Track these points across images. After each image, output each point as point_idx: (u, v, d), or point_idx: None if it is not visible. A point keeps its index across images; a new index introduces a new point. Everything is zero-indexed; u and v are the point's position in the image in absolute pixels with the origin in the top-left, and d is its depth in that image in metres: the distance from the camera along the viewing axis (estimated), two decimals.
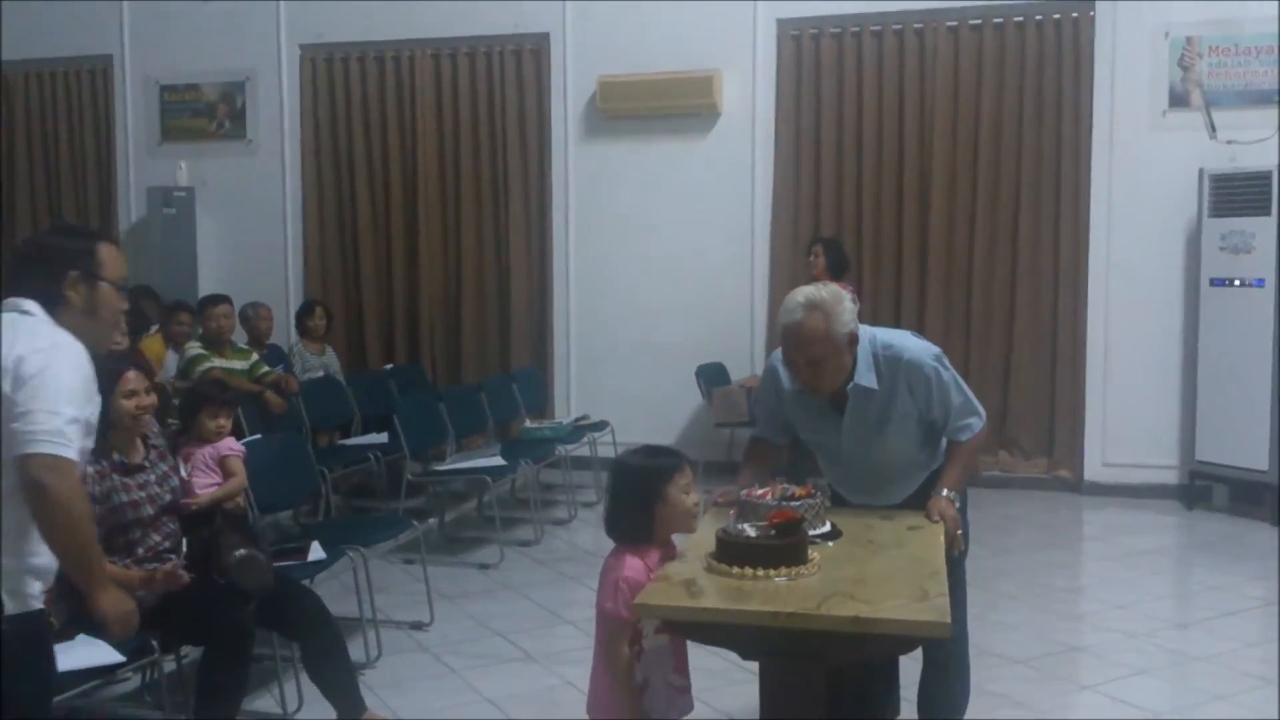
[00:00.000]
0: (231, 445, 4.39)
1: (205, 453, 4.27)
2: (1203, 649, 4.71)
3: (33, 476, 2.31)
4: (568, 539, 6.61)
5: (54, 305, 2.50)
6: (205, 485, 4.22)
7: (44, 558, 2.47)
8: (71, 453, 2.35)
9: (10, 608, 2.40)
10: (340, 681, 3.97)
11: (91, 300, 2.55)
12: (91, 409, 2.46)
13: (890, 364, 3.18)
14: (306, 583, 4.17)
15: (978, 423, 3.27)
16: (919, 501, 3.26)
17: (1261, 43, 7.03)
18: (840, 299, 3.11)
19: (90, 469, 3.59)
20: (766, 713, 2.65)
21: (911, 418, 3.23)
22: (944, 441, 3.33)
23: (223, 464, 4.31)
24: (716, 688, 4.14)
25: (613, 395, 8.08)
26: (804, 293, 3.12)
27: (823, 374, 3.12)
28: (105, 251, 2.59)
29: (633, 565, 2.77)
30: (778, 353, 3.29)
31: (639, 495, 2.83)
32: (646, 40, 7.98)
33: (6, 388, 2.35)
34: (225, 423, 4.37)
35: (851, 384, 3.17)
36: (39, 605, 2.50)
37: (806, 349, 3.08)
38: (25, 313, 2.47)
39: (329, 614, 4.05)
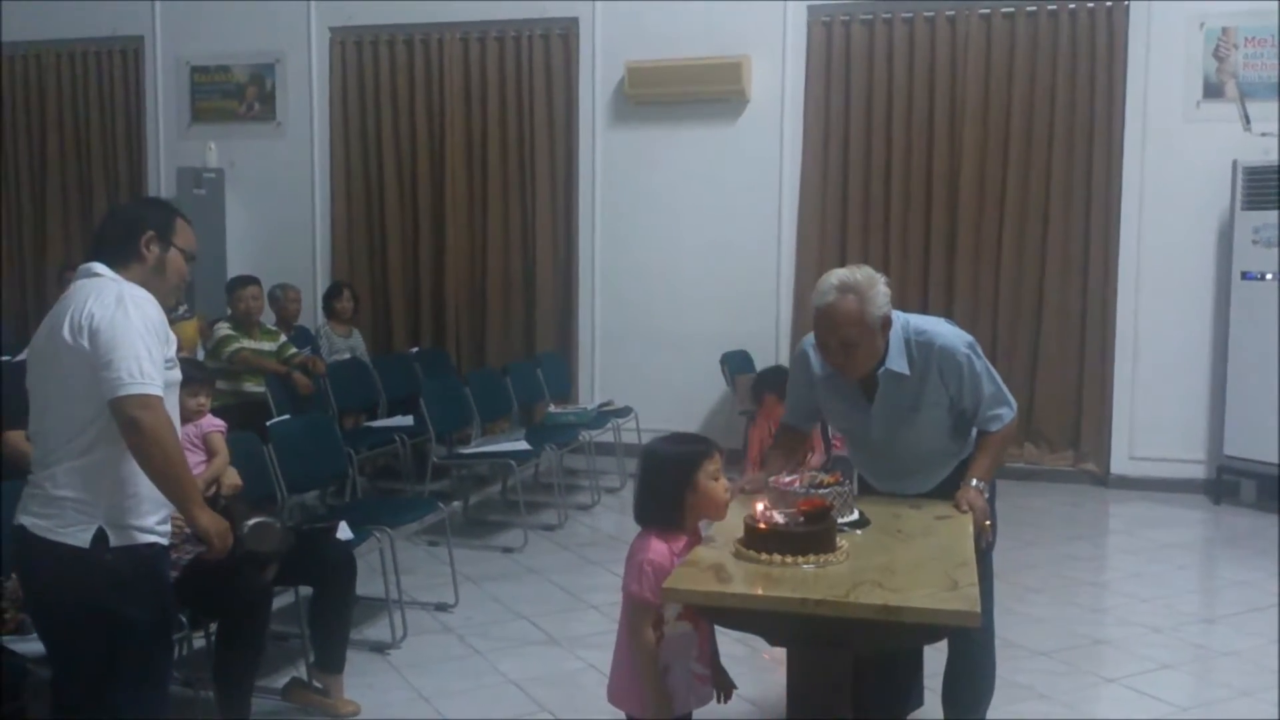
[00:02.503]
0: (213, 422, 4.38)
1: (187, 431, 4.21)
2: (1228, 644, 4.69)
3: (127, 415, 2.60)
4: (591, 524, 6.64)
5: (127, 260, 2.80)
6: (193, 465, 4.22)
7: (147, 488, 2.73)
8: (156, 389, 2.65)
9: (115, 540, 2.68)
10: (333, 631, 4.02)
11: (161, 261, 2.85)
12: (166, 348, 2.74)
13: (923, 350, 3.16)
14: None
15: (1008, 413, 3.25)
16: (947, 490, 3.24)
17: None
18: (875, 282, 3.09)
19: None
20: (793, 699, 2.65)
21: (942, 405, 3.21)
22: (974, 431, 3.31)
23: (206, 441, 4.31)
24: (741, 674, 4.12)
25: (637, 381, 8.09)
26: (838, 274, 3.11)
27: (855, 357, 3.10)
28: (181, 224, 2.92)
29: (657, 549, 2.78)
30: (809, 337, 3.28)
31: (669, 482, 2.83)
32: (675, 25, 7.96)
33: (85, 343, 2.63)
34: (205, 401, 4.37)
35: (883, 369, 3.15)
36: (151, 538, 2.77)
37: (839, 331, 3.06)
38: (95, 275, 2.77)
39: (353, 567, 4.12)
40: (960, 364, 3.17)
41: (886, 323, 3.12)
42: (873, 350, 3.11)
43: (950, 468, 3.33)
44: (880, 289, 3.09)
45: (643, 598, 2.74)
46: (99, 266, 2.79)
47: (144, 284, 2.79)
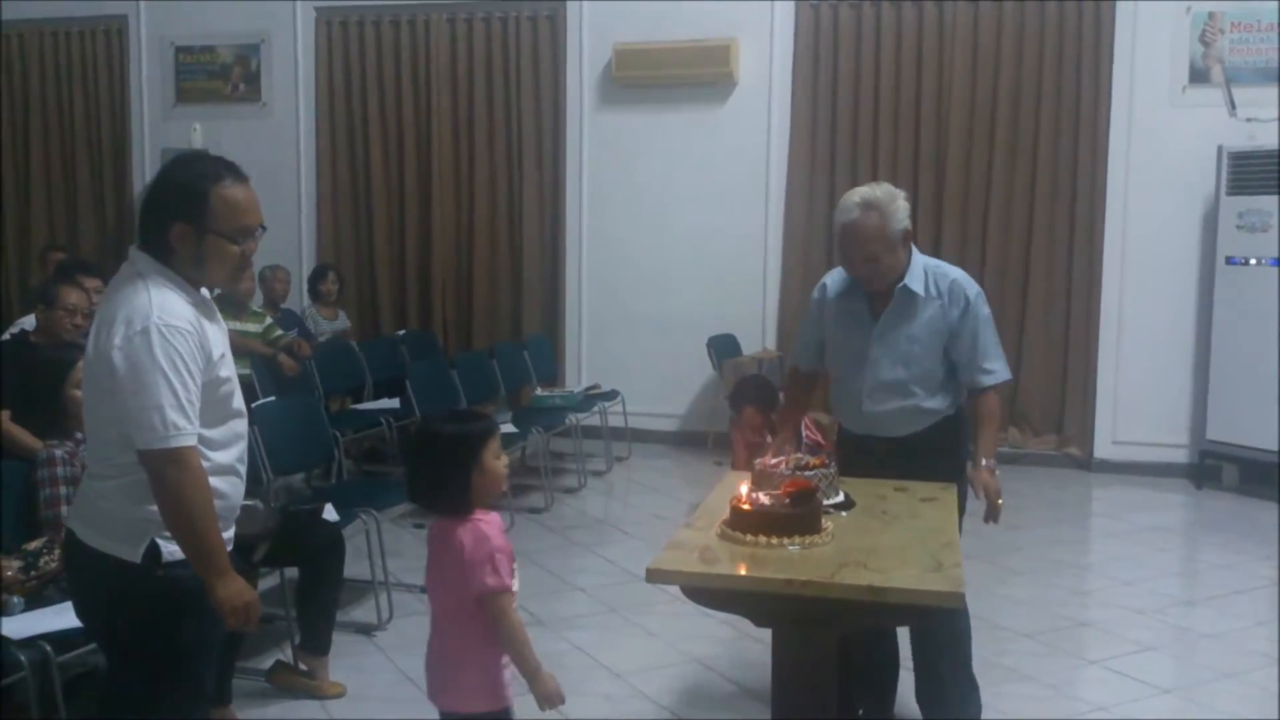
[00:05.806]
0: None
1: None
2: (1210, 626, 4.73)
3: (152, 469, 2.35)
4: (577, 507, 6.64)
5: (164, 254, 2.44)
6: None
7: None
8: (184, 439, 2.35)
9: (169, 555, 2.44)
10: (319, 613, 4.03)
11: (199, 252, 2.45)
12: (209, 368, 2.42)
13: (938, 280, 3.31)
14: None
15: (1001, 371, 3.36)
16: (920, 442, 3.33)
17: None
18: (895, 197, 3.23)
19: (57, 452, 3.65)
20: (778, 680, 2.66)
21: (941, 335, 3.30)
22: (961, 392, 3.38)
23: None
24: (725, 655, 4.17)
25: (623, 365, 8.09)
26: (860, 192, 3.24)
27: (878, 270, 3.24)
28: (219, 196, 2.43)
29: (496, 535, 2.64)
30: (830, 274, 3.47)
31: (456, 462, 2.65)
32: (662, 8, 7.92)
33: (107, 374, 2.36)
34: None
35: (901, 284, 3.27)
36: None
37: (863, 247, 3.20)
38: (137, 274, 2.43)
39: (341, 548, 4.14)
40: (969, 299, 3.30)
41: (907, 235, 3.26)
42: (895, 262, 3.26)
43: (929, 421, 3.37)
44: (900, 204, 3.23)
45: (504, 586, 2.61)
46: (143, 263, 2.45)
47: (191, 279, 2.48)
